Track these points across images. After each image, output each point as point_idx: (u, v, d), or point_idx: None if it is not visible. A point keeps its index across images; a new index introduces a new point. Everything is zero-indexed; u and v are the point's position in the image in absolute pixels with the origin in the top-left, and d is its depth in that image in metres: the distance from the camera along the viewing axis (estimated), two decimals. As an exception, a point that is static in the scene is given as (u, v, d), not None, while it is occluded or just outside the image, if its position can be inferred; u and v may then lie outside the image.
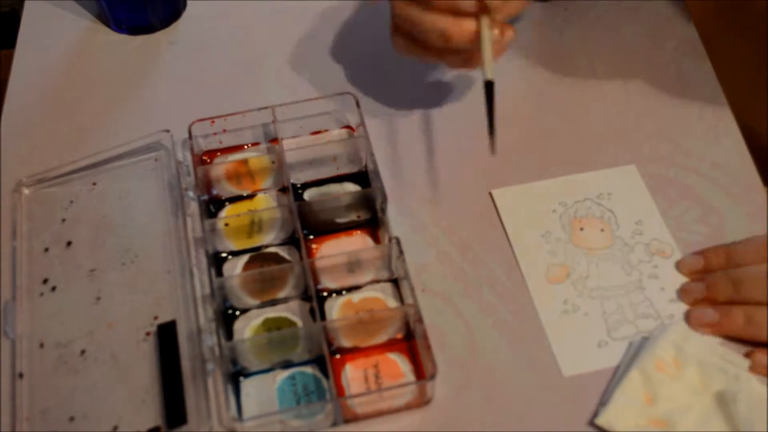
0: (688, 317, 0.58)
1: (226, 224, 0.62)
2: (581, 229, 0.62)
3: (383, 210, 0.61)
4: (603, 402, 0.54)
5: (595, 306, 0.59)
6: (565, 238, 0.62)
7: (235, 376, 0.56)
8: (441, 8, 0.57)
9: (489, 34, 0.58)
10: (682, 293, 0.59)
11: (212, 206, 0.64)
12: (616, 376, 0.55)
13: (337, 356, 0.57)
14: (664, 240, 0.61)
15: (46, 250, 0.62)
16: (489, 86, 0.58)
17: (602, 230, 0.62)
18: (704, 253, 0.60)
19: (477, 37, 0.58)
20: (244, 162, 0.65)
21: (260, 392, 0.56)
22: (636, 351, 0.55)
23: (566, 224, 0.63)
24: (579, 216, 0.63)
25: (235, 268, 0.61)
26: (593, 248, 0.61)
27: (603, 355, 0.56)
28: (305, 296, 0.59)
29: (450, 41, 0.58)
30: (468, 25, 0.57)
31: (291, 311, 0.59)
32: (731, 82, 0.70)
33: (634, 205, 0.63)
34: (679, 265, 0.60)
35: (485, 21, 0.57)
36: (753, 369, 0.54)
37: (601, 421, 0.53)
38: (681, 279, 0.60)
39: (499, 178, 0.65)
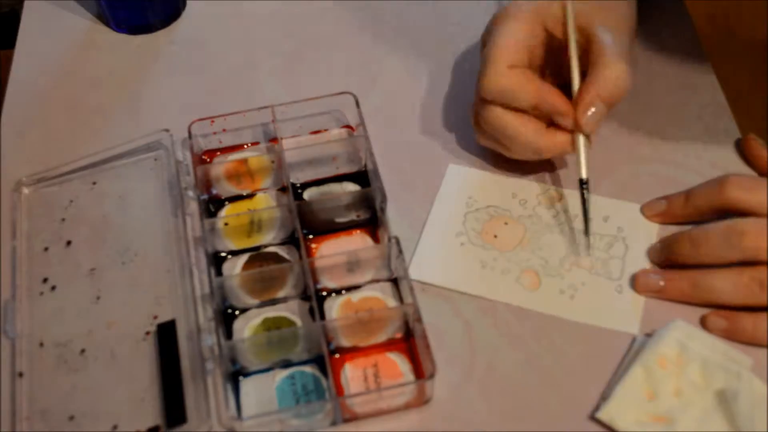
0: (634, 282, 0.59)
1: (226, 224, 0.62)
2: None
3: (383, 209, 0.61)
4: (604, 396, 0.54)
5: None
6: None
7: (235, 375, 0.56)
8: (536, 117, 0.59)
9: (585, 144, 0.60)
10: (650, 251, 0.60)
11: (212, 206, 0.64)
12: (619, 371, 0.55)
13: (337, 356, 0.57)
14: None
15: (46, 249, 0.62)
16: (583, 185, 0.60)
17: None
18: (667, 198, 0.62)
19: (567, 147, 0.59)
20: (244, 161, 0.65)
21: (260, 392, 0.56)
22: (639, 347, 0.55)
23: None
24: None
25: (234, 267, 0.61)
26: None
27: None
28: (304, 296, 0.59)
29: (541, 155, 0.60)
30: (561, 139, 0.59)
31: (290, 311, 0.59)
32: (731, 82, 0.70)
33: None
34: (644, 209, 0.62)
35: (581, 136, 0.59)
36: (708, 329, 0.56)
37: (602, 415, 0.53)
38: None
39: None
